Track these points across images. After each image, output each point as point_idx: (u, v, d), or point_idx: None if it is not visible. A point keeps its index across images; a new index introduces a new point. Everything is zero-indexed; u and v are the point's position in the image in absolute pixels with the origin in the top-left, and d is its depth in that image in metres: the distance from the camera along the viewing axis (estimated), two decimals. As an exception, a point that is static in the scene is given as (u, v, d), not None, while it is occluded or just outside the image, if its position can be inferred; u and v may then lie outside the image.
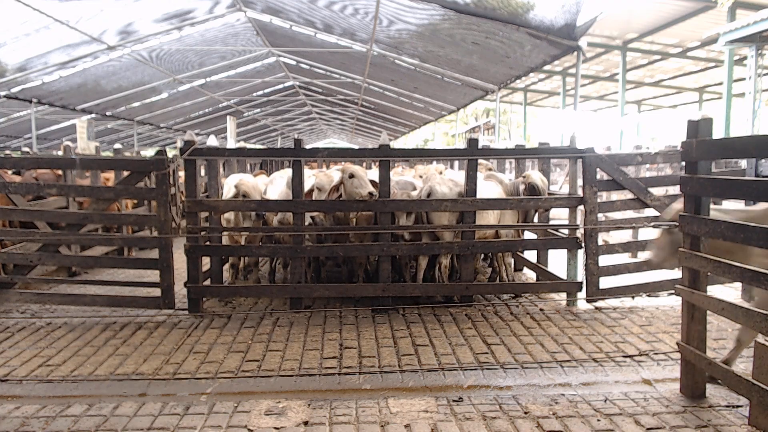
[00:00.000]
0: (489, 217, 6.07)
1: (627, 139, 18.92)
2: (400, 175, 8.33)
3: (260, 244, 6.39)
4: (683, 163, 3.83)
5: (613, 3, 12.43)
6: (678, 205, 3.98)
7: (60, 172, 8.22)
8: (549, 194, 6.40)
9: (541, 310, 5.77)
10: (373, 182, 5.81)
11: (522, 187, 6.25)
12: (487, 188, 6.26)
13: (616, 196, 8.10)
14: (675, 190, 6.84)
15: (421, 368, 4.24)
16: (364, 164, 11.66)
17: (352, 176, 5.74)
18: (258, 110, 23.33)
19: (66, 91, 13.32)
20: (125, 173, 6.40)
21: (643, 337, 4.91)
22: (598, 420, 3.41)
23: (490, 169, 8.49)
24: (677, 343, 3.81)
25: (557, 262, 6.86)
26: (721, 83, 15.93)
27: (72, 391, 3.94)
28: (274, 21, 10.99)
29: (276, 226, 6.30)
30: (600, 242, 5.90)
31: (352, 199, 5.69)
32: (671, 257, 4.09)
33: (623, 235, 8.38)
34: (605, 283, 5.90)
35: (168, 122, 21.51)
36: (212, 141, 8.18)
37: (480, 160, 6.58)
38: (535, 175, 6.24)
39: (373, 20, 9.35)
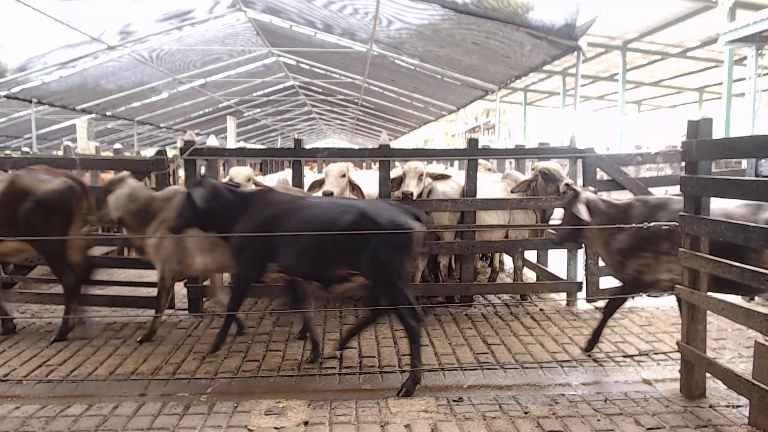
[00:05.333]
0: (498, 218, 6.01)
1: (627, 139, 18.91)
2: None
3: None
4: (683, 164, 3.83)
5: (613, 3, 12.42)
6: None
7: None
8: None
9: (541, 310, 5.77)
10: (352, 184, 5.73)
11: (539, 178, 6.06)
12: (493, 189, 6.20)
13: (616, 196, 8.08)
14: (675, 190, 6.85)
15: (421, 368, 4.23)
16: (364, 164, 11.67)
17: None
18: (258, 110, 23.33)
19: (66, 91, 13.32)
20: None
21: (643, 337, 4.91)
22: (598, 420, 3.41)
23: (489, 169, 8.47)
24: (677, 343, 3.80)
25: (557, 262, 6.84)
26: (721, 83, 15.89)
27: (72, 391, 3.94)
28: (274, 21, 11.00)
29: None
30: (600, 242, 5.88)
31: None
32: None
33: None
34: (605, 283, 5.89)
35: (168, 122, 21.51)
36: (212, 141, 8.19)
37: (480, 160, 6.58)
38: (545, 162, 6.12)
39: (373, 20, 9.35)
